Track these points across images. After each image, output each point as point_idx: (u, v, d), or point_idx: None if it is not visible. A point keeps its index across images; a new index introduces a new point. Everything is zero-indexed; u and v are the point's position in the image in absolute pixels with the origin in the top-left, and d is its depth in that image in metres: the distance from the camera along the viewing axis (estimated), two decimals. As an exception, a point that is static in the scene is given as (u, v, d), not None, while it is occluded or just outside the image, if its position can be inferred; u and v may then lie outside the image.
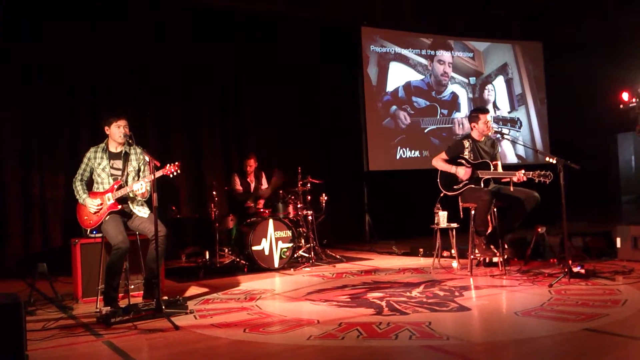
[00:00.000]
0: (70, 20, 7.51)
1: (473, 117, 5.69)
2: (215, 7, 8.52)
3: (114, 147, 4.71)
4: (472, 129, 5.69)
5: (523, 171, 5.24)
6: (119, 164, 4.69)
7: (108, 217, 4.56)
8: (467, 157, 5.57)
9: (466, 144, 5.62)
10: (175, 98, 8.32)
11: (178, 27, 8.35)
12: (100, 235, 4.69)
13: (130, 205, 4.69)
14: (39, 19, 7.34)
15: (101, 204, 4.58)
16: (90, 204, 4.55)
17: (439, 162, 5.70)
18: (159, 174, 4.39)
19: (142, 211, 4.72)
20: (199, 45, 8.45)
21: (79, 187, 4.65)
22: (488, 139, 5.74)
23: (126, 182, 4.66)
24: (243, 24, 8.80)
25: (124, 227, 4.56)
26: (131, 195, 4.64)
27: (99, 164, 4.65)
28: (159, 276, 4.45)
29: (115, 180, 4.64)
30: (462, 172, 5.48)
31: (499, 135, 5.83)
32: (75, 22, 7.55)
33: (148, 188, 4.52)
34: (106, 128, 4.68)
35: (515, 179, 5.27)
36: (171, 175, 4.46)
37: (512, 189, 5.34)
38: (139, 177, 4.74)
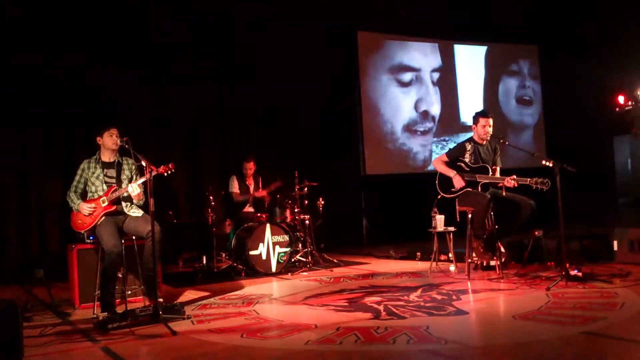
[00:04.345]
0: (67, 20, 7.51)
1: (474, 118, 5.72)
2: (214, 9, 8.52)
3: (107, 157, 4.79)
4: (473, 131, 5.72)
5: (514, 176, 5.24)
6: (112, 172, 4.78)
7: (103, 219, 4.60)
8: (467, 160, 5.58)
9: (468, 146, 5.64)
10: (172, 100, 8.30)
11: (177, 27, 8.34)
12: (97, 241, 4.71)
13: (125, 208, 4.73)
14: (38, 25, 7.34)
15: (95, 207, 4.61)
16: (84, 207, 4.60)
17: (439, 164, 5.71)
18: (152, 174, 4.40)
19: (136, 212, 4.78)
20: (197, 45, 8.44)
21: (73, 198, 4.72)
22: (490, 144, 5.76)
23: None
24: (243, 24, 8.79)
25: (117, 232, 4.59)
26: (125, 194, 4.67)
27: (93, 173, 4.72)
28: (156, 271, 4.49)
29: (110, 186, 4.70)
30: (456, 182, 5.49)
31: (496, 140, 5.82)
32: (73, 22, 7.54)
33: (142, 189, 4.58)
34: (98, 139, 4.75)
35: (505, 183, 5.27)
36: (165, 174, 4.48)
37: (504, 193, 5.36)
38: None
